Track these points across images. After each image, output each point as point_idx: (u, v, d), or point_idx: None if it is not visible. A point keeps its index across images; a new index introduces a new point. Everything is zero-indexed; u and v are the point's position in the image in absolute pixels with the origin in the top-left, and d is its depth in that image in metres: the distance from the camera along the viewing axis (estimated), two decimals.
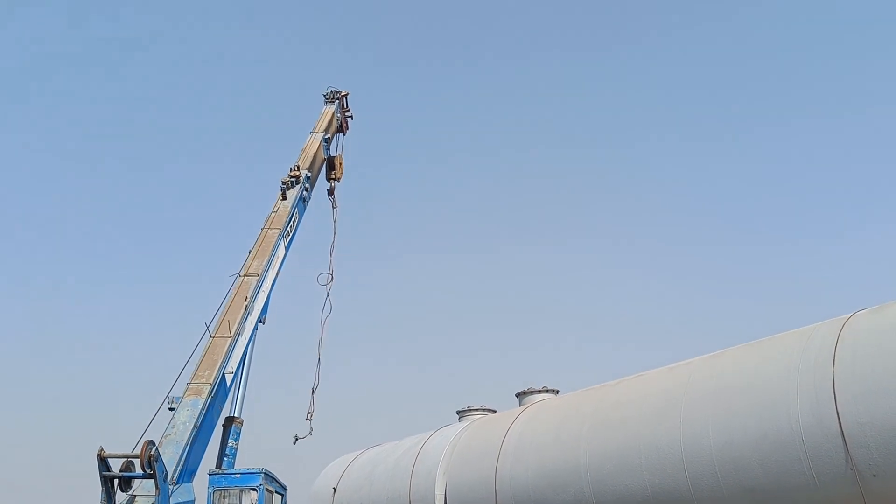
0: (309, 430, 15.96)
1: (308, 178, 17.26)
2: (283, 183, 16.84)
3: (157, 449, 10.17)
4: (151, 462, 9.95)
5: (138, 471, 10.55)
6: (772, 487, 9.01)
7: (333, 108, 18.91)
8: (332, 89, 19.21)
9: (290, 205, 16.56)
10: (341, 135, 19.36)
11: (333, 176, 18.82)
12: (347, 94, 19.43)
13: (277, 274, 15.80)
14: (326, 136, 18.24)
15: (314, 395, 16.23)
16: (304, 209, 17.44)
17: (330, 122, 18.61)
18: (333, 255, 17.70)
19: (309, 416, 16.04)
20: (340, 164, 18.87)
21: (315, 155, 17.70)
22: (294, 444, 16.20)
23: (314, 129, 18.32)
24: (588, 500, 11.17)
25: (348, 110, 19.53)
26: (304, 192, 17.14)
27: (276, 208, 16.58)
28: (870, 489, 8.12)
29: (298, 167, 17.06)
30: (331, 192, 18.83)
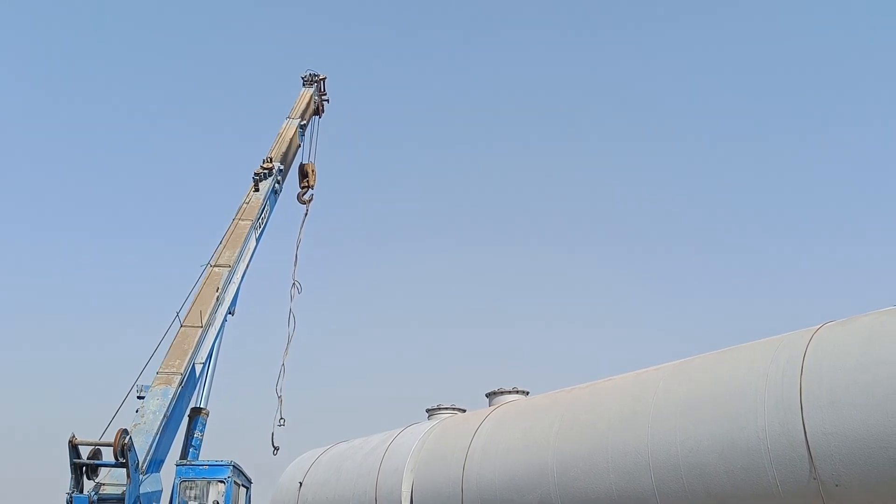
0: (272, 435, 16.01)
1: (280, 170, 17.30)
2: (256, 174, 16.86)
3: (130, 438, 10.11)
4: (125, 451, 9.90)
5: (107, 459, 10.49)
6: (736, 494, 9.22)
7: (311, 90, 19.06)
8: (311, 72, 19.35)
9: (262, 196, 16.57)
10: (317, 117, 19.47)
11: (306, 184, 18.84)
12: (325, 77, 19.61)
13: (248, 265, 15.79)
14: (302, 123, 18.34)
15: (281, 404, 16.26)
16: (276, 201, 17.45)
17: (307, 106, 18.72)
18: (297, 265, 17.72)
19: (281, 421, 16.09)
20: (313, 171, 18.95)
21: (290, 141, 17.79)
22: (275, 454, 16.26)
23: (290, 114, 18.44)
24: (554, 502, 11.32)
25: (325, 94, 19.72)
26: (277, 185, 17.16)
27: (247, 199, 16.56)
28: (832, 498, 8.37)
29: (271, 159, 17.08)
30: (302, 200, 18.84)
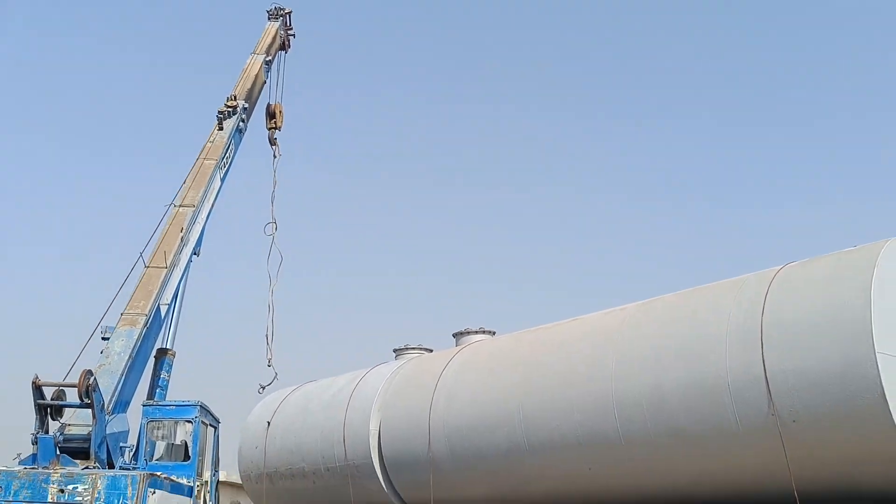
0: (274, 375, 15.96)
1: (245, 108, 16.97)
2: (220, 113, 16.53)
3: (94, 378, 10.05)
4: (89, 391, 9.85)
5: (71, 400, 10.45)
6: (697, 430, 9.45)
7: (277, 24, 18.71)
8: (276, 6, 18.94)
9: (226, 135, 16.27)
10: (283, 53, 19.10)
11: (273, 125, 18.53)
12: (290, 11, 19.22)
13: (213, 206, 15.58)
14: (268, 59, 18.00)
15: (271, 343, 16.18)
16: (241, 140, 17.16)
17: (272, 41, 18.37)
18: (275, 203, 17.50)
19: (269, 362, 16.03)
20: (280, 112, 18.63)
21: (255, 77, 17.47)
22: (260, 392, 16.21)
23: (255, 49, 18.07)
24: (520, 440, 11.52)
25: (291, 28, 19.36)
26: (241, 123, 16.86)
27: (212, 138, 16.26)
28: (789, 434, 8.60)
29: (235, 97, 16.74)
30: (272, 141, 18.55)
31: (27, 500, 9.39)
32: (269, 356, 15.96)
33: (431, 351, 15.82)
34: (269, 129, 18.57)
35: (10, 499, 9.37)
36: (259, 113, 18.24)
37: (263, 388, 16.07)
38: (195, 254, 14.81)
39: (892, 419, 7.87)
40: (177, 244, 13.72)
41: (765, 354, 8.91)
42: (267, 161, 18.62)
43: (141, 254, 13.32)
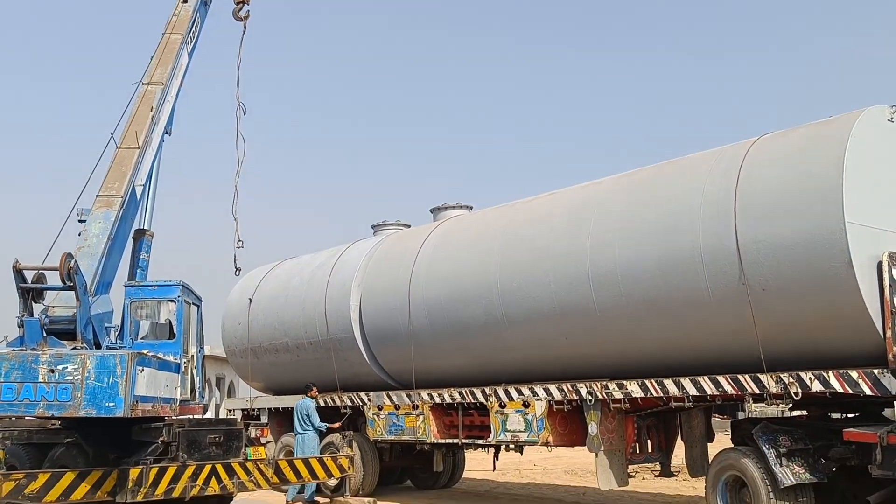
0: (234, 257, 15.94)
1: None
2: None
3: (75, 261, 10.06)
4: (71, 274, 9.87)
5: (53, 283, 10.49)
6: (670, 300, 9.74)
7: None
8: None
9: (190, 8, 15.61)
10: None
11: None
12: None
13: (182, 83, 15.15)
14: None
15: (238, 226, 16.08)
16: (206, 13, 16.48)
17: None
18: (240, 84, 16.93)
19: (239, 243, 15.97)
20: None
21: None
22: (237, 274, 16.25)
23: None
24: (497, 312, 11.82)
25: None
26: None
27: (176, 11, 15.60)
28: (758, 302, 8.90)
29: None
30: (238, 17, 17.72)
31: (19, 380, 9.56)
32: (238, 238, 15.97)
33: (409, 226, 15.93)
34: (237, 3, 17.82)
35: (2, 380, 9.53)
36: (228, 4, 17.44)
37: (239, 269, 16.19)
38: (167, 133, 14.51)
39: (858, 286, 8.15)
40: (147, 123, 13.41)
41: (737, 225, 9.08)
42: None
43: (112, 134, 13.05)
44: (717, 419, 10.75)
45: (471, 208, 15.00)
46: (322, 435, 14.23)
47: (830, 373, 8.46)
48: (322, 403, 14.71)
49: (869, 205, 8.48)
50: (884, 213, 8.59)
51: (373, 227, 16.31)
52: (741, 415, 11.61)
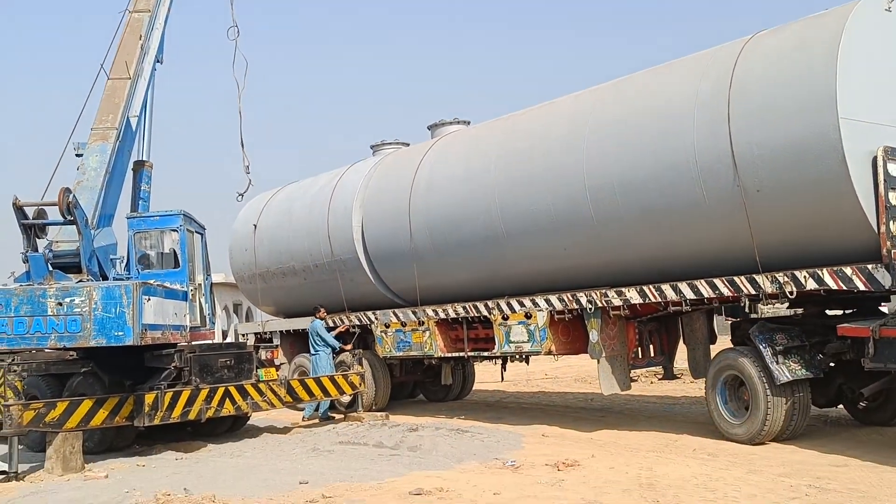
0: (248, 183, 16.01)
1: None
2: None
3: (74, 196, 10.16)
4: (70, 208, 9.99)
5: (52, 218, 10.62)
6: (666, 207, 9.73)
7: None
8: None
9: None
10: None
11: None
12: None
13: (169, 8, 14.90)
14: None
15: (244, 149, 16.08)
16: None
17: None
18: (234, 5, 16.61)
19: (246, 168, 16.03)
20: None
21: None
22: (239, 200, 16.35)
23: None
24: (497, 225, 11.87)
25: None
26: None
27: None
28: (752, 203, 8.88)
29: None
30: None
31: (28, 314, 9.80)
32: (246, 162, 16.00)
33: (408, 145, 15.86)
34: None
35: (12, 314, 9.77)
36: None
37: (241, 195, 16.26)
38: (158, 61, 14.37)
39: (852, 182, 8.12)
40: (137, 53, 13.30)
41: (731, 126, 9.01)
42: None
43: (101, 65, 12.96)
44: (728, 322, 10.87)
45: (468, 123, 14.87)
46: (335, 353, 14.54)
47: (825, 270, 8.51)
48: (331, 323, 14.97)
49: (865, 99, 8.36)
50: (881, 106, 8.47)
51: (371, 147, 16.25)
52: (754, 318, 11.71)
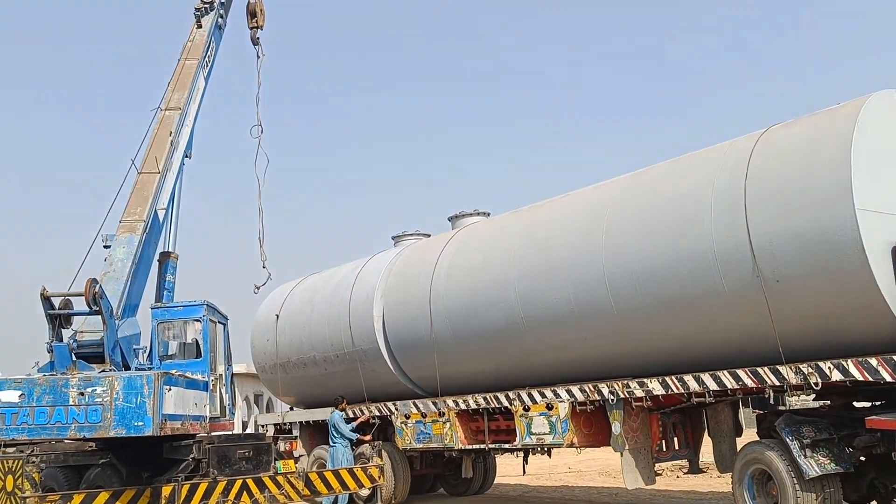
0: (266, 276, 16.28)
1: (223, 3, 16.61)
2: (197, 10, 16.21)
3: (100, 286, 10.34)
4: (96, 299, 10.16)
5: (80, 308, 10.78)
6: (686, 297, 9.72)
7: None
8: None
9: (205, 33, 16.01)
10: None
11: (255, 24, 18.01)
12: None
13: (199, 107, 15.52)
14: None
15: (263, 245, 16.42)
16: (221, 37, 16.87)
17: None
18: (260, 104, 17.27)
19: (264, 263, 16.32)
20: (261, 10, 18.04)
21: None
22: (256, 293, 16.58)
23: None
24: (516, 314, 11.88)
25: None
26: (220, 19, 16.54)
27: (191, 37, 16.01)
28: (772, 293, 8.86)
29: None
30: (254, 41, 18.09)
31: (50, 404, 9.85)
32: (264, 257, 16.27)
33: (429, 236, 16.06)
34: (251, 28, 18.16)
35: (34, 404, 9.83)
36: (242, 13, 17.82)
37: (259, 288, 16.46)
38: (187, 156, 14.86)
39: (872, 272, 8.10)
40: (167, 148, 13.76)
41: (748, 218, 9.07)
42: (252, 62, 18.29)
43: (132, 160, 13.41)
44: (755, 414, 10.70)
45: (488, 214, 15.08)
46: (354, 444, 14.37)
47: (849, 361, 8.40)
48: (350, 414, 14.86)
49: (880, 190, 8.42)
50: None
51: (393, 238, 16.48)
52: (780, 410, 11.50)
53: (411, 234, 16.20)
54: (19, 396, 9.86)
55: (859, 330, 8.49)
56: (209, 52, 15.87)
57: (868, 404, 9.62)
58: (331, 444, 14.28)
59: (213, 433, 12.00)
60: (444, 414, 13.36)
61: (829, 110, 9.19)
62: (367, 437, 14.49)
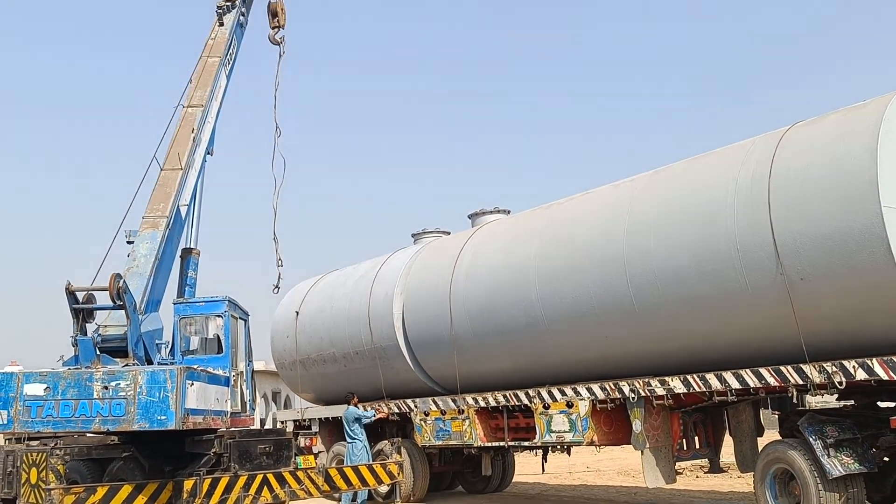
0: (278, 276, 16.33)
1: (244, 0, 16.67)
2: (219, 8, 16.25)
3: (124, 281, 10.43)
4: (120, 294, 10.24)
5: (103, 302, 10.87)
6: (708, 295, 9.68)
7: None
8: None
9: (227, 31, 16.06)
10: None
11: (276, 24, 18.07)
12: None
13: (221, 104, 15.56)
14: None
15: (277, 245, 16.45)
16: (243, 35, 16.93)
17: None
18: (278, 106, 17.31)
19: (279, 262, 16.35)
20: (282, 9, 18.07)
21: None
22: (275, 293, 16.61)
23: None
24: (538, 313, 11.87)
25: None
26: (241, 17, 16.57)
27: (213, 35, 16.05)
28: (796, 291, 8.81)
29: None
30: (275, 40, 18.14)
31: (75, 398, 9.95)
32: (278, 256, 16.31)
33: (449, 233, 16.07)
34: (273, 28, 18.22)
35: (59, 397, 9.93)
36: (263, 13, 17.88)
37: (277, 287, 16.51)
38: (209, 153, 14.91)
39: None
40: (189, 145, 13.82)
41: (772, 216, 9.01)
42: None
43: (154, 156, 13.46)
44: (775, 415, 10.65)
45: (508, 212, 15.07)
46: (371, 427, 14.46)
47: (874, 360, 8.33)
48: (362, 410, 14.91)
49: None
50: None
51: (413, 235, 16.50)
52: (802, 409, 11.43)
53: (431, 232, 16.22)
54: (45, 390, 9.96)
55: (884, 328, 8.42)
56: (231, 50, 15.93)
57: (893, 404, 9.54)
58: (347, 440, 14.32)
59: (233, 428, 12.07)
60: (463, 411, 13.37)
61: (853, 107, 9.11)
62: (384, 413, 14.62)
